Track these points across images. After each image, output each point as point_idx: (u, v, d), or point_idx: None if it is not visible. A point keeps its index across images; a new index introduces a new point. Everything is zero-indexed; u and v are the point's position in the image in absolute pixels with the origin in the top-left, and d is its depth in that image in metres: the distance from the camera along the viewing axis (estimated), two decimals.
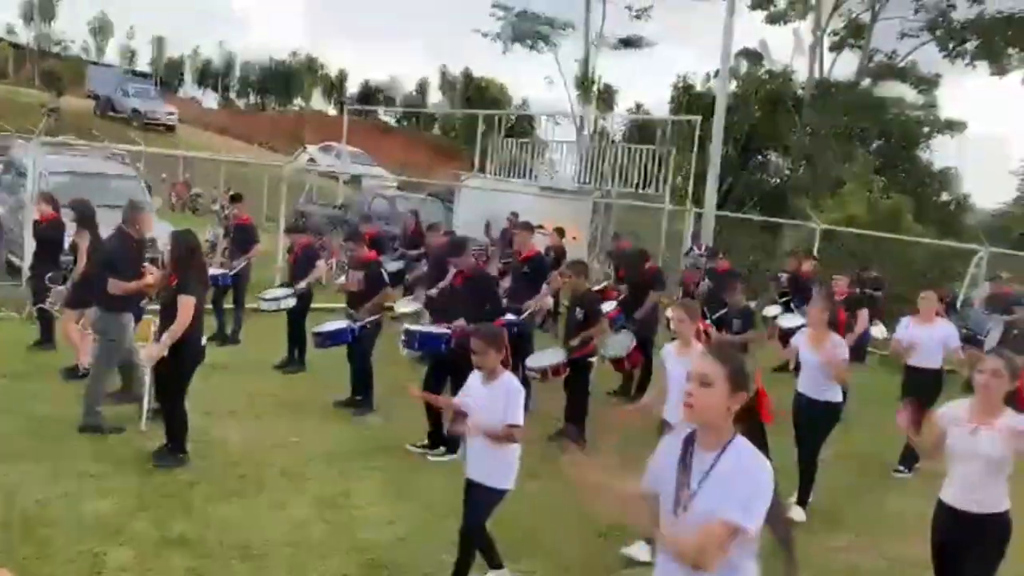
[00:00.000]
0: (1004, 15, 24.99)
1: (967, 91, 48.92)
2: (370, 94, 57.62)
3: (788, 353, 6.54)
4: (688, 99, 26.86)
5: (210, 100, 58.16)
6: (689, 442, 2.58)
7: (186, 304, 5.65)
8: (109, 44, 55.77)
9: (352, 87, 59.30)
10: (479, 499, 4.32)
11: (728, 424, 2.50)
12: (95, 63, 43.49)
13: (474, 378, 4.49)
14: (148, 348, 6.01)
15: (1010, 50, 25.79)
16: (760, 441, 2.54)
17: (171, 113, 34.73)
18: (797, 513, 6.07)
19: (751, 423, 2.55)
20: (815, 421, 6.17)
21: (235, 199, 11.03)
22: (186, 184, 24.24)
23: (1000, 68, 26.29)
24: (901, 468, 7.59)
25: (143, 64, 55.39)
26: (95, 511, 4.96)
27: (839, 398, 6.20)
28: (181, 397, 5.91)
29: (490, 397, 4.30)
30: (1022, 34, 25.18)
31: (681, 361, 5.44)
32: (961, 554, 3.99)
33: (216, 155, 26.62)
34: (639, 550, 4.96)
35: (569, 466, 2.64)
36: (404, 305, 9.44)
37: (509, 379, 4.37)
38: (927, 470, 7.39)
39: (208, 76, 59.62)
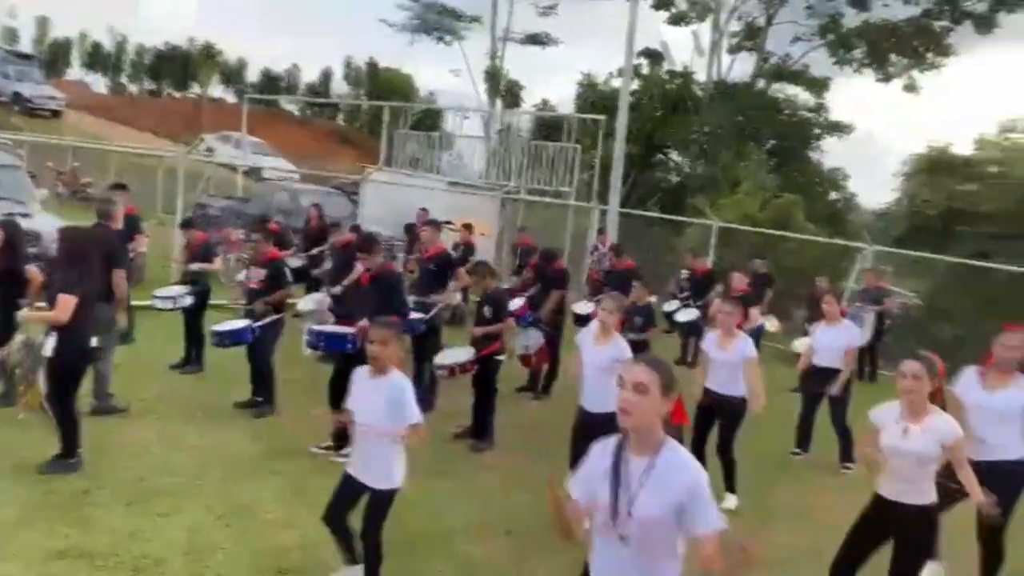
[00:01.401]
0: (886, 23, 26.37)
1: (855, 94, 51.45)
2: (271, 82, 56.07)
3: (699, 372, 6.74)
4: (592, 97, 27.28)
5: (100, 85, 55.43)
6: (619, 449, 2.70)
7: (64, 303, 5.37)
8: None
9: (252, 75, 57.56)
10: (372, 504, 4.22)
11: (659, 427, 2.65)
12: None
13: (361, 373, 4.35)
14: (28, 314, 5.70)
15: (893, 57, 27.24)
16: (676, 439, 2.74)
17: (57, 98, 32.92)
18: (730, 501, 6.44)
19: (666, 424, 2.71)
20: (724, 416, 6.48)
21: (117, 188, 10.20)
22: (74, 173, 23.03)
23: (885, 74, 27.74)
24: (797, 451, 7.98)
25: (26, 45, 52.24)
26: None
27: (744, 393, 6.48)
28: (71, 399, 5.65)
29: (375, 392, 4.19)
30: (904, 42, 26.64)
31: (598, 349, 5.68)
32: (878, 543, 4.27)
33: (108, 143, 25.42)
34: None
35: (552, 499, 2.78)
36: (306, 303, 9.26)
37: (396, 376, 4.24)
38: (818, 462, 7.85)
39: (97, 60, 56.70)
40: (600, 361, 5.62)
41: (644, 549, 2.63)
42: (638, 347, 8.01)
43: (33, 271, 6.49)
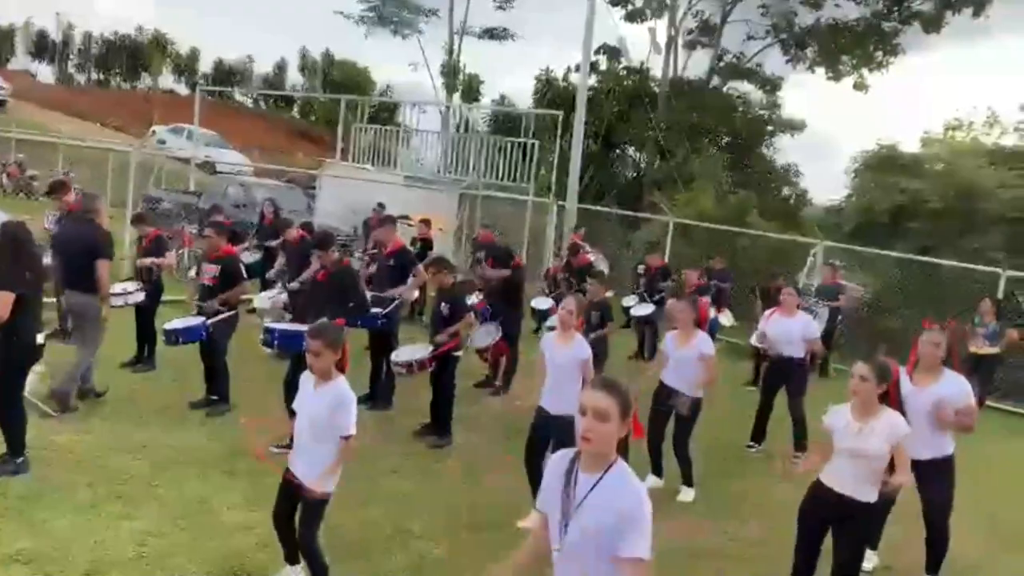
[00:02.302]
0: (836, 23, 26.87)
1: (808, 92, 52.30)
2: (224, 74, 55.12)
3: (654, 365, 6.91)
4: (550, 92, 27.36)
5: (46, 74, 53.94)
6: (572, 465, 2.71)
7: (2, 299, 5.24)
8: None
9: (205, 66, 56.51)
10: (304, 507, 4.19)
11: (614, 448, 2.66)
12: None
13: (305, 379, 4.30)
14: None
15: (844, 56, 27.78)
16: (622, 449, 2.74)
17: (1, 87, 32.02)
18: (687, 494, 6.59)
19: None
20: (679, 413, 6.55)
21: (55, 190, 9.67)
22: (19, 166, 22.42)
23: (836, 72, 28.26)
24: (752, 444, 8.12)
25: None
26: None
27: (700, 393, 6.58)
28: (16, 399, 5.52)
29: (319, 401, 4.15)
30: (853, 42, 27.18)
31: (560, 350, 5.73)
32: (823, 531, 4.42)
33: (55, 135, 24.74)
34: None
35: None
36: (263, 300, 9.15)
37: (340, 384, 4.20)
38: (773, 454, 8.00)
39: (43, 48, 55.14)
40: (561, 362, 5.66)
41: (582, 567, 2.64)
42: (596, 344, 8.09)
43: None
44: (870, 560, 5.39)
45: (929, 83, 55.83)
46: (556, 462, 2.82)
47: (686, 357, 6.50)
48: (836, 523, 4.37)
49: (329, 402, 4.12)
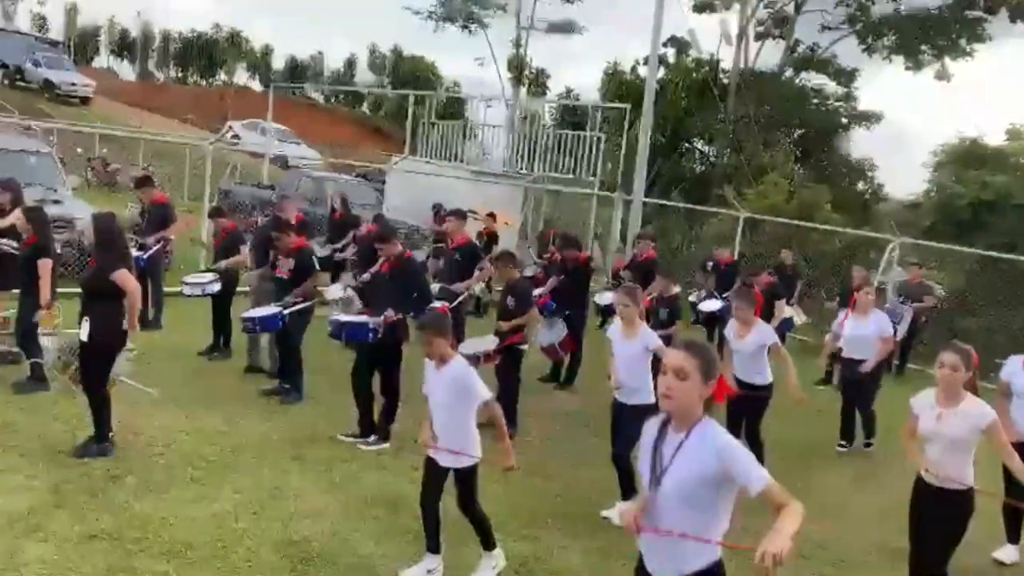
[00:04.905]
0: (917, 12, 25.88)
1: (884, 83, 50.69)
2: (296, 70, 56.35)
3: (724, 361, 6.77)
4: (618, 85, 27.11)
5: (127, 72, 56.01)
6: (664, 426, 2.82)
7: (122, 277, 5.55)
8: (18, 10, 52.96)
9: (277, 63, 57.89)
10: (461, 483, 4.50)
11: (700, 408, 2.74)
12: (2, 30, 41.12)
13: (428, 368, 4.58)
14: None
15: (923, 46, 26.76)
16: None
17: (87, 84, 33.28)
18: None
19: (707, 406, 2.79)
20: (747, 403, 6.42)
21: (142, 184, 10.32)
22: (104, 161, 23.30)
23: (915, 63, 27.26)
24: (843, 444, 7.93)
25: (55, 32, 52.83)
26: (10, 506, 4.77)
27: (769, 379, 6.51)
28: (104, 383, 5.75)
29: (442, 383, 4.45)
30: (934, 31, 26.15)
31: (627, 343, 5.73)
32: (927, 525, 4.45)
33: (137, 131, 25.63)
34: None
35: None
36: (334, 292, 9.32)
37: (455, 364, 4.48)
38: (853, 453, 7.81)
39: (125, 47, 57.25)
40: (631, 353, 5.68)
41: (673, 525, 2.68)
42: (665, 342, 7.97)
43: (43, 263, 6.63)
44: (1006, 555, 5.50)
45: (1017, 73, 53.39)
46: (649, 427, 2.90)
47: (744, 349, 6.47)
48: (930, 513, 4.38)
49: (448, 383, 4.42)
